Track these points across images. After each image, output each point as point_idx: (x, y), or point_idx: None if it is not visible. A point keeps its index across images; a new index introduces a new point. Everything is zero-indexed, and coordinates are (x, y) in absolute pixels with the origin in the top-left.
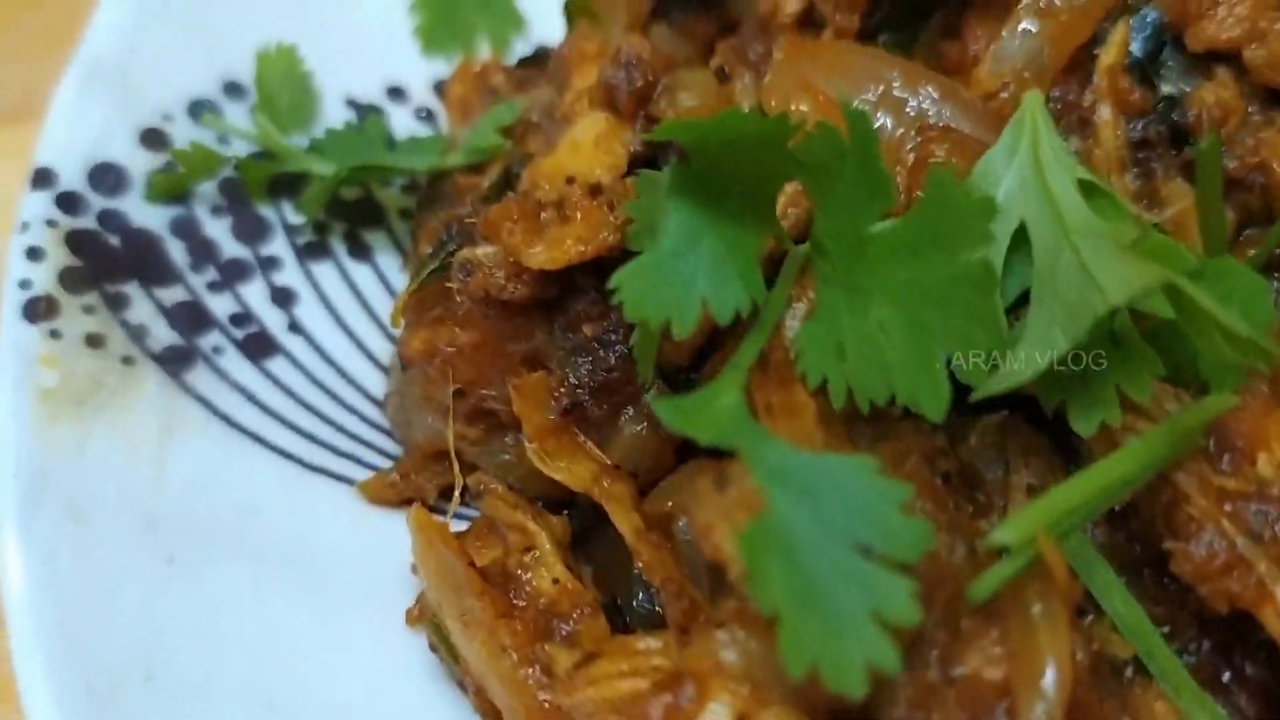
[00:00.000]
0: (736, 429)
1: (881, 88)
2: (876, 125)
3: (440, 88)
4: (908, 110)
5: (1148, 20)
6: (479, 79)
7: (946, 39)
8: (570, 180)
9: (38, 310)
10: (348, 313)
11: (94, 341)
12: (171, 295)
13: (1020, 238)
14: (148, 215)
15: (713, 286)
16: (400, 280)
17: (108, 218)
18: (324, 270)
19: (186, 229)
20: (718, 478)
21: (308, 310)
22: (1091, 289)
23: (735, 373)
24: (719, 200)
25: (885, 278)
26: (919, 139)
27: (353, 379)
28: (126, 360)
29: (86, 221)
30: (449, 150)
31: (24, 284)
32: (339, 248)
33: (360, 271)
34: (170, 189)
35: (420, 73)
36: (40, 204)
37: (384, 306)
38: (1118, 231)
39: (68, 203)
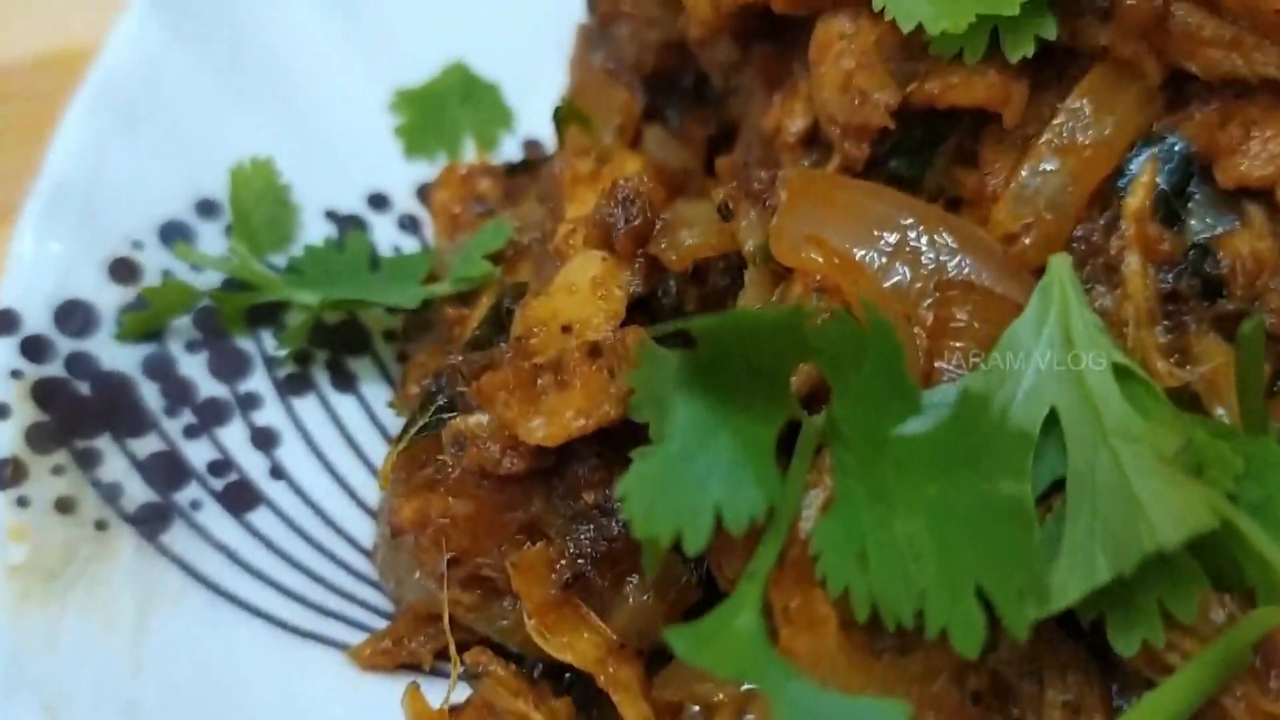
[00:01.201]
0: (756, 661)
1: (897, 236)
2: (893, 280)
3: (423, 192)
4: (924, 261)
5: (1174, 150)
6: (465, 184)
7: (961, 165)
8: (566, 329)
9: (4, 476)
10: (331, 450)
11: (65, 506)
12: (145, 446)
13: (1051, 420)
14: (118, 356)
15: (727, 491)
16: (387, 415)
17: (76, 362)
18: (307, 405)
19: (160, 369)
20: (737, 713)
21: (290, 452)
22: (1138, 515)
23: (752, 585)
24: (730, 390)
25: (911, 489)
26: (937, 294)
27: (339, 527)
28: (100, 525)
29: (54, 369)
30: (435, 268)
31: None
32: (321, 379)
33: (345, 404)
34: (142, 327)
35: (402, 178)
36: (4, 353)
37: (369, 441)
38: (1159, 438)
39: (33, 348)
